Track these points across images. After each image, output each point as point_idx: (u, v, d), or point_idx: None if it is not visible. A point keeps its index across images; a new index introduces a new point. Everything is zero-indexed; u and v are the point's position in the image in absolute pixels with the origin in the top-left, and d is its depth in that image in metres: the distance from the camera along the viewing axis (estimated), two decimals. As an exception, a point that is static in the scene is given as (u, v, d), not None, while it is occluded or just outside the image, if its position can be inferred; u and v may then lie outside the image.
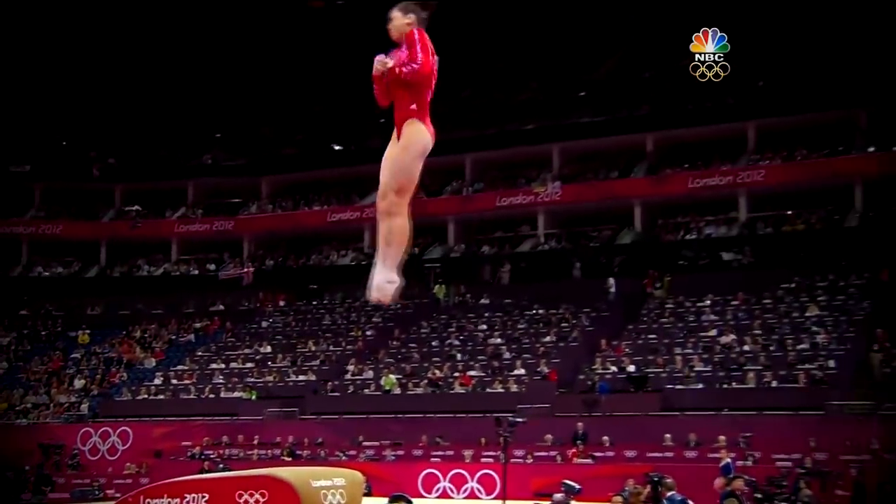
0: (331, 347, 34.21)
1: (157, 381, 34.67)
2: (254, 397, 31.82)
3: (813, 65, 32.99)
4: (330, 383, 31.73)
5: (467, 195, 38.02)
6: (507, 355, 30.60)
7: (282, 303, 38.74)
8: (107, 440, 31.99)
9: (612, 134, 36.04)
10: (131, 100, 40.39)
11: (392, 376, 30.56)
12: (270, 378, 32.87)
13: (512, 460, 23.09)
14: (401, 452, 27.64)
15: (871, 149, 32.10)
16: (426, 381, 30.22)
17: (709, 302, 30.64)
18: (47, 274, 41.90)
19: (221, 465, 26.32)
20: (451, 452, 26.90)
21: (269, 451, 28.92)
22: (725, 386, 26.21)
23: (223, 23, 36.77)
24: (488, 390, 28.93)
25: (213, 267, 41.46)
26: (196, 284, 40.53)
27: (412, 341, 33.42)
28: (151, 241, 41.80)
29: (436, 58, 6.44)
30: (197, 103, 40.56)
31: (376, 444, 28.27)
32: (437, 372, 30.44)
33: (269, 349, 34.93)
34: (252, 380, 32.90)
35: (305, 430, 29.68)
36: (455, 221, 38.30)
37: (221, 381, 33.54)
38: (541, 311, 32.93)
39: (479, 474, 25.31)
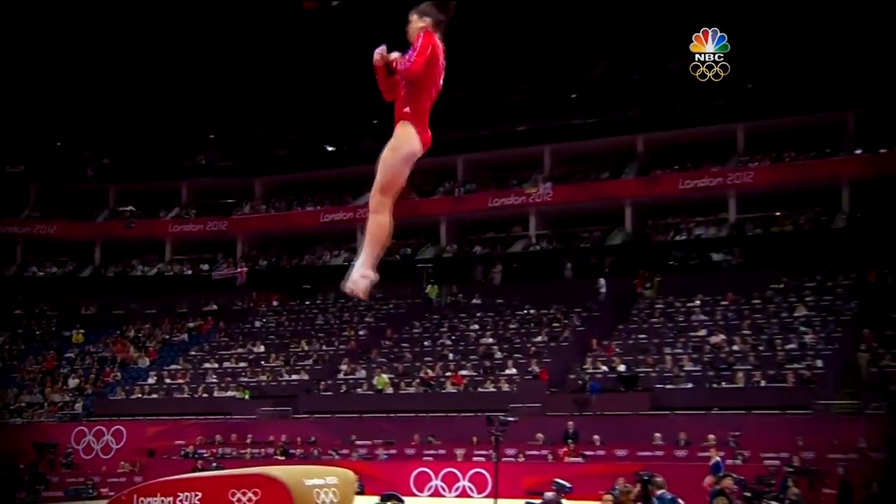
0: (323, 347, 34.34)
1: (151, 381, 34.75)
2: (247, 396, 31.94)
3: (801, 67, 33.19)
4: (323, 383, 31.87)
5: (459, 196, 38.16)
6: (498, 355, 30.74)
7: (275, 303, 38.86)
8: (101, 439, 32.05)
9: (603, 135, 36.19)
10: (126, 100, 40.44)
11: (384, 376, 30.71)
12: (263, 377, 33.01)
13: (503, 459, 23.28)
14: (393, 451, 27.80)
15: (859, 151, 32.34)
16: (418, 380, 30.38)
17: (698, 302, 30.81)
18: (42, 274, 41.99)
19: (215, 464, 26.42)
20: (443, 451, 27.07)
21: (263, 450, 29.03)
22: (715, 385, 26.38)
23: (217, 24, 36.88)
24: (480, 390, 29.09)
25: (206, 267, 41.56)
26: (190, 284, 40.62)
27: (404, 341, 33.56)
28: (145, 242, 41.90)
29: (442, 66, 6.45)
30: (191, 104, 40.64)
31: (369, 443, 28.42)
32: (429, 371, 30.59)
33: (262, 349, 35.05)
34: (245, 379, 33.03)
35: (298, 430, 29.84)
36: (447, 222, 38.46)
37: (215, 380, 33.63)
38: (532, 312, 33.10)
39: (470, 473, 25.48)
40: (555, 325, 31.93)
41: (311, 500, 9.29)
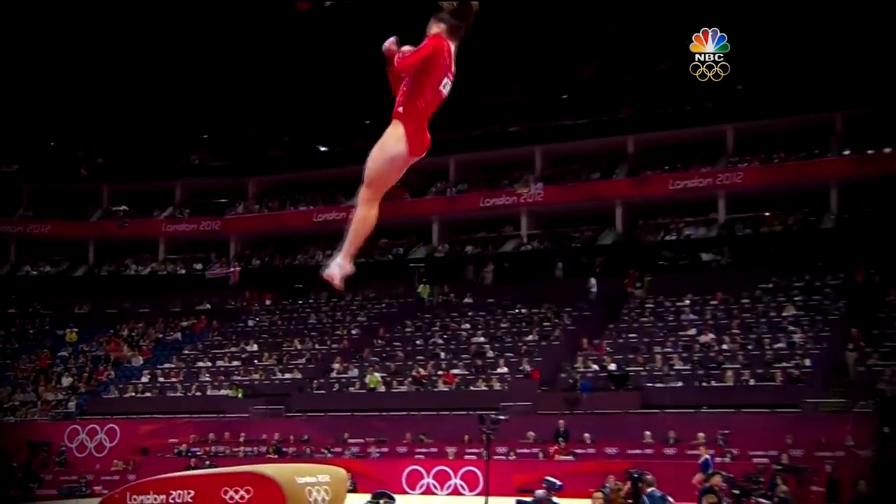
0: (316, 346, 34.47)
1: (145, 379, 34.85)
2: (240, 395, 32.04)
3: (790, 69, 33.39)
4: (315, 381, 32.00)
5: (451, 196, 38.32)
6: (490, 354, 30.90)
7: (268, 302, 38.97)
8: (94, 437, 32.11)
9: (594, 136, 36.40)
10: (119, 100, 40.45)
11: (377, 374, 30.86)
12: (256, 376, 33.14)
13: (495, 457, 23.50)
14: (385, 449, 27.94)
15: (847, 152, 32.60)
16: (410, 379, 30.52)
17: (688, 302, 31.03)
18: (35, 273, 42.06)
19: (208, 462, 26.57)
20: (434, 449, 27.21)
21: (255, 448, 29.15)
22: (704, 384, 26.60)
23: (211, 25, 36.91)
24: (471, 388, 29.25)
25: (199, 266, 41.65)
26: (183, 283, 40.74)
27: (396, 340, 33.70)
28: (139, 241, 42.00)
29: (446, 72, 6.36)
30: (184, 104, 40.67)
31: (361, 441, 28.54)
32: (421, 370, 30.75)
33: (255, 348, 35.17)
34: (238, 378, 33.14)
35: (291, 428, 29.94)
36: (439, 222, 38.61)
37: (208, 379, 33.76)
38: (523, 311, 33.25)
39: (462, 471, 25.68)
40: (546, 324, 32.09)
41: (303, 498, 9.29)
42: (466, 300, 35.32)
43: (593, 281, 33.30)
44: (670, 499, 16.79)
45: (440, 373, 30.39)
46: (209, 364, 34.86)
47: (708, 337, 28.36)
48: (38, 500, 29.05)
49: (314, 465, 11.03)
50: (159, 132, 42.59)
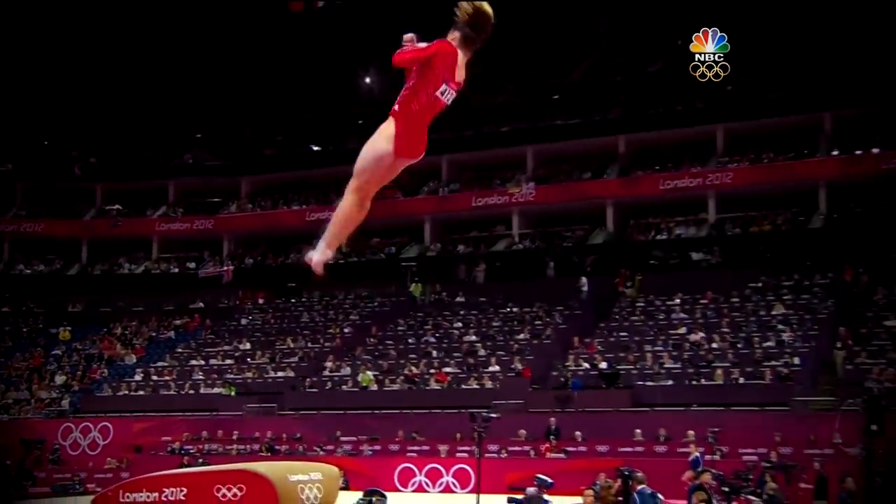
0: (309, 344, 34.54)
1: (138, 378, 34.91)
2: (233, 393, 32.09)
3: (779, 70, 33.59)
4: (308, 380, 32.08)
5: (444, 195, 38.42)
6: (481, 352, 31.02)
7: (261, 300, 39.06)
8: (87, 435, 32.14)
9: (585, 136, 36.51)
10: (113, 100, 40.51)
11: (369, 373, 30.93)
12: (249, 374, 33.22)
13: (486, 455, 23.46)
14: (377, 447, 28.03)
15: (835, 152, 32.76)
16: (402, 377, 30.61)
17: (678, 301, 31.17)
18: (29, 272, 42.10)
19: (201, 460, 26.65)
20: (426, 447, 27.28)
21: (248, 446, 29.21)
22: (694, 382, 26.73)
23: (205, 25, 37.01)
24: (463, 387, 29.37)
25: (193, 265, 41.70)
26: (176, 282, 40.80)
27: (389, 338, 33.81)
28: (132, 240, 42.04)
29: (444, 80, 6.21)
30: (178, 104, 40.74)
31: (353, 439, 28.62)
32: (413, 369, 30.84)
33: (248, 346, 35.24)
34: (231, 376, 33.22)
35: (284, 426, 30.02)
36: (431, 221, 38.69)
37: (201, 377, 33.82)
38: (515, 310, 33.37)
39: (454, 469, 25.73)
40: (537, 323, 32.21)
41: (295, 496, 9.31)
42: (458, 299, 35.42)
43: (584, 280, 33.43)
44: (660, 496, 16.83)
45: (432, 371, 30.49)
46: (202, 362, 34.92)
47: (698, 336, 28.50)
48: (31, 497, 29.05)
49: (307, 462, 11.13)
50: (153, 131, 42.61)
